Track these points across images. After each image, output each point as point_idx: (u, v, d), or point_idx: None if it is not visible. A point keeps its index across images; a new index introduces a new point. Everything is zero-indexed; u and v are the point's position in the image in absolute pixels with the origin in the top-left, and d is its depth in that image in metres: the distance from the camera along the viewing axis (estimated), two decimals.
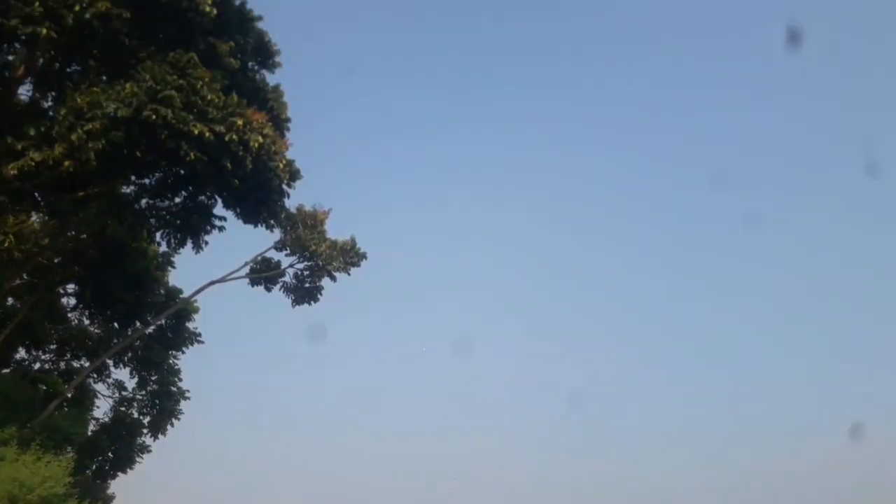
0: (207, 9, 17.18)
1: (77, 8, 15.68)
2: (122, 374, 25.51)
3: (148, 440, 25.46)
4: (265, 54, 20.06)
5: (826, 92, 70.20)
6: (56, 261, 20.79)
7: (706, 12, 72.72)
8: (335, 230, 24.91)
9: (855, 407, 51.81)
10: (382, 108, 76.32)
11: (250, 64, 19.88)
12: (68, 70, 18.67)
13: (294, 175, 21.30)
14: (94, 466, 24.26)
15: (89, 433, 23.95)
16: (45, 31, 15.61)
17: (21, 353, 23.79)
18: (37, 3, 15.43)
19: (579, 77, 76.71)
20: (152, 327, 24.71)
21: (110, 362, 24.98)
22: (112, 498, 24.82)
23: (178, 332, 25.46)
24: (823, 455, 49.36)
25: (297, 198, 23.54)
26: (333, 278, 25.00)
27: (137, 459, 25.32)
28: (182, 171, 19.83)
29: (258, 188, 20.39)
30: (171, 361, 25.74)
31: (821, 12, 60.82)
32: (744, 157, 72.26)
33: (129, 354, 24.88)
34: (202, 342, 26.22)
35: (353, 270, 25.14)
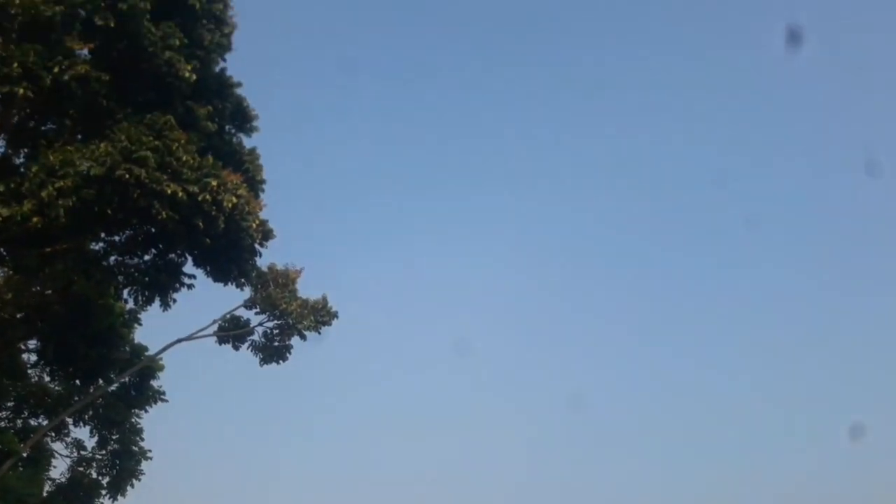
0: (187, 74, 17.50)
1: (56, 70, 15.89)
2: (82, 432, 24.90)
3: (106, 502, 24.73)
4: (243, 118, 20.40)
5: (826, 92, 71.16)
6: (18, 316, 20.44)
7: (706, 12, 73.89)
8: (309, 289, 24.93)
9: (855, 407, 51.64)
10: (363, 166, 76.69)
11: (227, 127, 20.18)
12: (43, 128, 18.77)
13: (267, 235, 21.41)
14: None
15: (45, 494, 23.24)
16: (22, 90, 15.77)
17: None
18: (15, 64, 15.62)
19: (577, 77, 77.16)
20: (115, 385, 24.25)
21: (70, 420, 24.37)
22: None
23: (141, 391, 25.00)
24: (824, 455, 49.36)
25: (271, 256, 23.66)
26: (303, 337, 24.83)
27: None
28: (153, 229, 19.84)
29: (230, 247, 20.45)
30: (133, 420, 25.20)
31: (821, 12, 62.07)
32: (744, 157, 72.75)
33: (90, 412, 24.31)
34: (166, 401, 25.77)
35: (323, 329, 25.14)
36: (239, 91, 20.17)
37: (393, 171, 78.26)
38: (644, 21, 77.26)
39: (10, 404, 23.79)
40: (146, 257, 20.98)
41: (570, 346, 66.85)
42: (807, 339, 63.55)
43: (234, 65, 20.55)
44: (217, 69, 19.55)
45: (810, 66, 64.80)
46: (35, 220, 16.27)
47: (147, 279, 21.09)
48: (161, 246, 20.61)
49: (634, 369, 62.98)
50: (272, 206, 21.65)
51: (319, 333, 24.90)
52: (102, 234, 20.15)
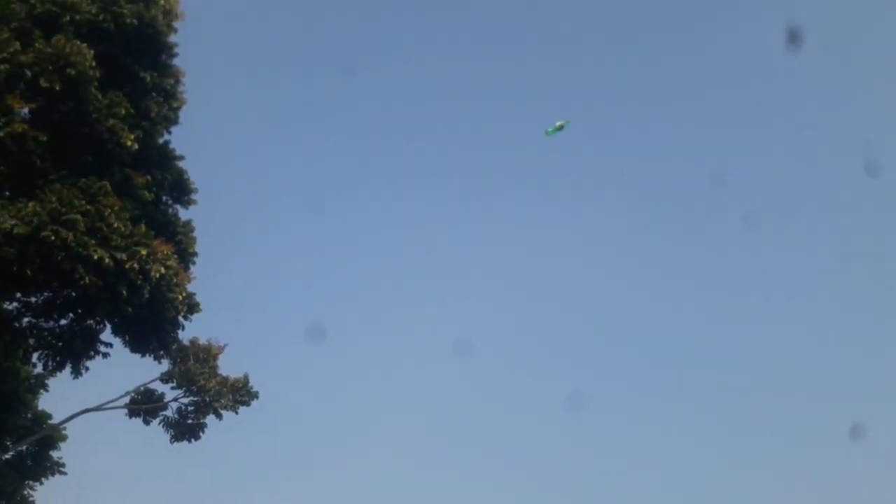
0: (129, 143, 17.59)
1: None
2: None
3: None
4: (181, 190, 20.41)
5: (826, 92, 71.94)
6: None
7: (706, 11, 74.96)
8: (232, 367, 24.32)
9: (856, 407, 50.74)
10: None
11: (165, 198, 20.15)
12: None
13: (192, 308, 21.06)
14: None
15: None
16: None
17: None
18: None
19: (576, 77, 77.29)
20: (10, 453, 22.79)
21: None
22: None
23: (39, 461, 23.54)
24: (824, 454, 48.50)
25: (201, 331, 23.21)
26: (220, 416, 24.03)
27: None
28: (74, 294, 19.33)
29: (153, 318, 20.05)
30: (25, 493, 23.59)
31: (821, 12, 63.30)
32: (744, 157, 72.88)
33: None
34: (65, 473, 24.30)
35: (241, 409, 24.41)
36: (181, 164, 20.26)
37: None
38: (644, 21, 77.79)
39: None
40: (62, 321, 20.27)
41: (570, 346, 65.46)
42: (806, 339, 63.09)
43: (179, 139, 20.74)
44: (161, 141, 19.66)
45: (810, 66, 65.46)
46: None
47: (61, 344, 20.30)
48: (80, 311, 19.99)
49: (634, 368, 62.01)
50: (203, 280, 21.46)
51: (237, 413, 24.17)
52: (18, 294, 19.45)
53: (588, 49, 77.46)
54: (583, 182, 77.91)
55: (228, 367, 24.21)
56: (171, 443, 23.89)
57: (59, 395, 24.18)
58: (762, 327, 66.16)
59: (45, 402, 23.71)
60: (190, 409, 23.76)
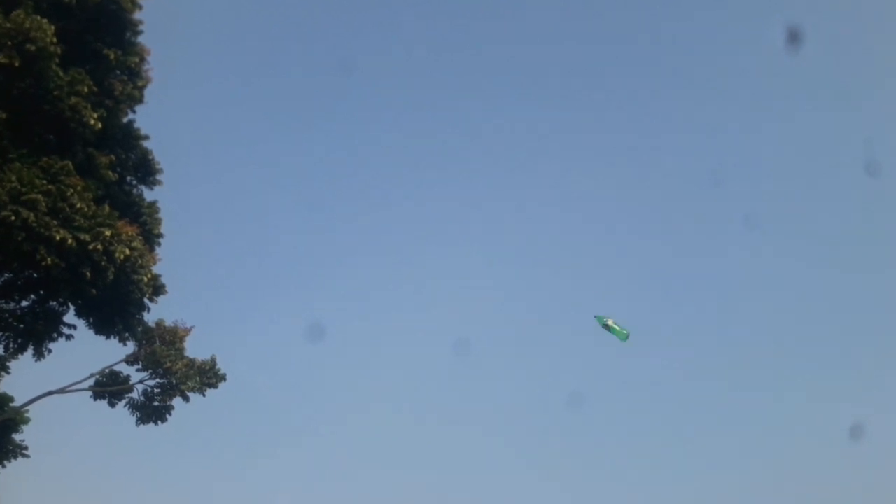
0: (92, 121, 17.22)
1: None
2: None
3: None
4: (146, 171, 20.09)
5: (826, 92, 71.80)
6: None
7: (706, 11, 75.15)
8: (200, 349, 24.14)
9: (855, 407, 50.94)
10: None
11: (129, 178, 19.84)
12: None
13: (158, 290, 20.90)
14: None
15: None
16: None
17: None
18: None
19: (576, 78, 77.11)
20: None
21: None
22: None
23: (1, 444, 23.18)
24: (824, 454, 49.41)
25: (168, 313, 22.97)
26: (186, 398, 23.86)
27: None
28: (35, 275, 19.03)
29: (117, 300, 19.84)
30: None
31: (821, 12, 63.58)
32: (744, 157, 73.25)
33: None
34: (27, 456, 23.95)
35: (209, 392, 24.28)
36: (146, 144, 19.94)
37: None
38: (644, 21, 77.95)
39: None
40: (24, 303, 19.96)
41: (570, 346, 65.87)
42: (807, 339, 63.86)
43: (144, 117, 20.39)
44: (125, 120, 19.30)
45: (810, 65, 66.19)
46: None
47: (22, 326, 20.03)
48: (42, 292, 19.71)
49: (633, 369, 62.58)
50: (169, 261, 21.25)
51: (204, 395, 24.03)
52: None
53: (587, 50, 77.66)
54: (582, 183, 78.32)
55: (197, 349, 24.09)
56: (137, 425, 23.73)
57: (22, 378, 23.84)
58: (762, 326, 67.09)
59: (6, 385, 23.33)
60: (156, 391, 23.56)
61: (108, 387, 23.34)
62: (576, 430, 55.54)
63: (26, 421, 23.69)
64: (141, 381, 23.63)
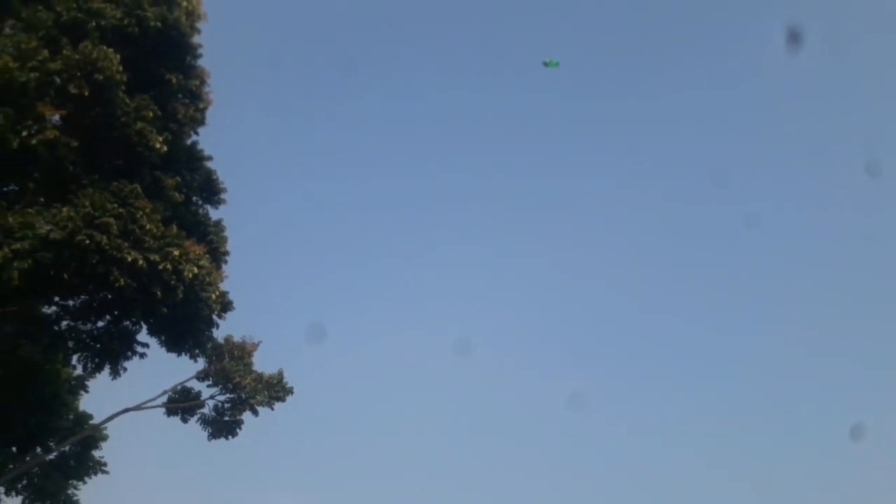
0: (158, 145, 17.70)
1: (25, 133, 15.93)
2: (13, 502, 23.65)
3: None
4: (211, 190, 20.56)
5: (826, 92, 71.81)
6: None
7: (706, 12, 74.88)
8: (266, 363, 24.52)
9: (856, 408, 50.96)
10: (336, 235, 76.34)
11: (195, 198, 20.31)
12: (5, 189, 18.64)
13: (226, 307, 21.26)
14: None
15: None
16: None
17: None
18: None
19: (576, 78, 77.46)
20: (54, 454, 23.27)
21: (1, 489, 23.16)
22: None
23: (81, 461, 23.98)
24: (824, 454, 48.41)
25: (230, 328, 23.41)
26: (255, 412, 24.29)
27: None
28: (109, 296, 19.61)
29: (187, 318, 20.25)
30: (69, 492, 24.05)
31: (821, 12, 63.16)
32: (744, 157, 72.81)
33: (24, 482, 23.17)
34: (107, 472, 24.72)
35: (277, 405, 24.61)
36: (209, 164, 20.40)
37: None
38: (644, 21, 78.38)
39: None
40: (100, 323, 20.59)
41: (570, 346, 65.83)
42: (807, 339, 63.13)
43: (206, 139, 20.88)
44: (189, 142, 19.79)
45: (810, 66, 65.42)
46: None
47: (98, 346, 20.65)
48: (116, 313, 20.29)
49: (633, 369, 62.46)
50: (234, 278, 21.65)
51: (272, 409, 24.39)
52: (56, 298, 19.77)
53: (587, 49, 77.75)
54: (582, 183, 78.03)
55: (263, 364, 24.47)
56: (209, 440, 24.21)
57: (100, 396, 24.65)
58: (763, 327, 66.43)
59: (85, 404, 24.18)
60: (226, 406, 24.04)
61: (181, 403, 23.91)
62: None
63: (104, 438, 24.49)
64: (212, 397, 24.17)
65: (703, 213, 73.51)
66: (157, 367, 22.87)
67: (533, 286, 69.84)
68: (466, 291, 68.24)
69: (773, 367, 59.46)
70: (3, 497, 23.47)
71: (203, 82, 19.69)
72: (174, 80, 18.62)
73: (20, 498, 23.52)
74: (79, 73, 16.42)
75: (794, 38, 37.30)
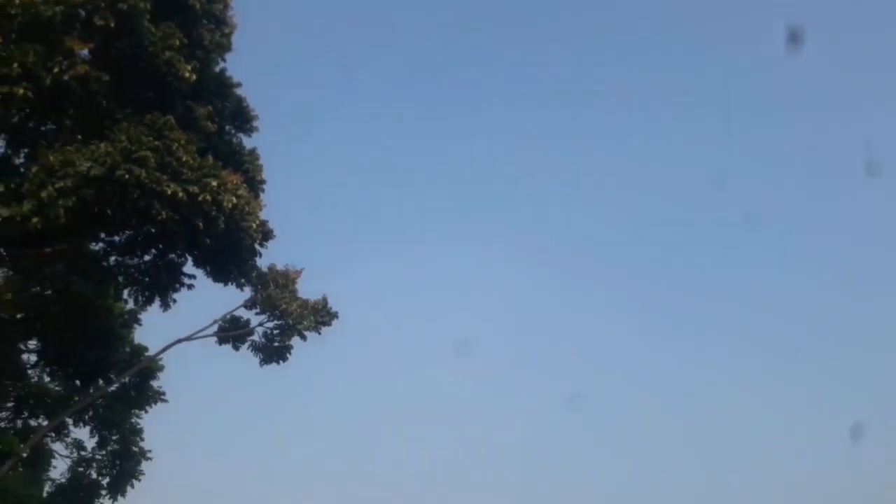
0: (187, 74, 17.46)
1: (56, 70, 15.83)
2: (82, 433, 24.89)
3: (106, 502, 24.70)
4: (243, 118, 20.38)
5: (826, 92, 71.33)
6: (18, 316, 20.41)
7: (707, 12, 74.00)
8: (308, 290, 24.86)
9: (855, 407, 51.54)
10: (363, 165, 76.55)
11: (227, 127, 20.16)
12: (43, 128, 18.72)
13: (266, 235, 21.42)
14: None
15: (45, 495, 23.24)
16: (21, 91, 15.71)
17: None
18: (15, 64, 15.57)
19: (576, 78, 77.30)
20: (115, 386, 24.21)
21: (69, 421, 24.34)
22: None
23: (141, 391, 24.97)
24: (824, 455, 49.24)
25: (271, 257, 23.67)
26: (304, 337, 24.79)
27: None
28: (153, 230, 19.86)
29: (230, 248, 20.48)
30: (133, 421, 25.18)
31: (821, 12, 62.06)
32: (744, 157, 72.84)
33: (90, 413, 24.30)
34: (166, 401, 25.74)
35: (324, 329, 25.09)
36: (239, 91, 20.19)
37: (394, 170, 78.44)
38: (644, 21, 77.37)
39: (9, 405, 23.74)
40: (146, 257, 20.98)
41: (570, 346, 66.85)
42: (807, 339, 63.85)
43: (234, 65, 20.57)
44: (217, 69, 19.53)
45: (810, 66, 64.97)
46: (34, 220, 16.24)
47: (147, 279, 21.10)
48: (161, 246, 20.61)
49: (633, 369, 63.06)
50: (272, 206, 21.73)
51: (319, 334, 24.83)
52: (102, 235, 20.13)
53: (588, 49, 76.79)
54: (583, 182, 76.71)
55: (306, 290, 24.81)
56: (261, 366, 24.91)
57: (152, 329, 25.43)
58: (762, 326, 65.76)
59: (140, 336, 24.96)
60: (275, 332, 24.55)
61: (231, 331, 24.50)
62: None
63: (161, 368, 25.35)
64: (260, 324, 24.67)
65: (701, 213, 73.49)
66: (206, 298, 23.43)
67: (532, 287, 69.64)
68: (468, 291, 68.68)
69: (771, 366, 59.87)
70: (73, 428, 24.74)
71: (226, 6, 19.25)
72: (197, 6, 18.21)
73: (88, 428, 24.75)
74: (103, 4, 16.13)
75: (795, 38, 35.96)
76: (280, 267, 24.16)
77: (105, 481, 24.67)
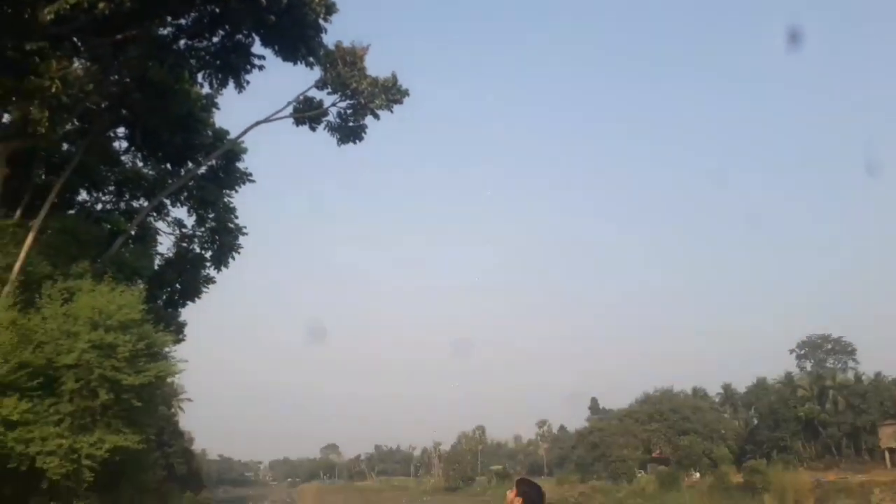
0: None
1: None
2: (180, 212, 26.60)
3: (212, 272, 26.92)
4: None
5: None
6: (103, 105, 21.08)
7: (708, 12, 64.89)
8: (374, 68, 24.43)
9: None
10: None
11: None
12: None
13: (329, 9, 20.78)
14: (164, 297, 26.10)
15: (156, 267, 25.49)
16: None
17: (83, 196, 24.94)
18: None
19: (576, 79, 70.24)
20: (204, 168, 25.36)
21: (167, 202, 25.99)
22: (184, 324, 26.86)
23: (229, 172, 26.13)
24: None
25: (336, 34, 23.17)
26: (377, 116, 24.92)
27: (203, 290, 27.00)
28: (217, 10, 19.56)
29: (294, 24, 20.12)
30: (225, 200, 26.61)
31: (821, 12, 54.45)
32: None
33: (185, 194, 25.78)
34: (253, 181, 26.95)
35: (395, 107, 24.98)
36: None
37: None
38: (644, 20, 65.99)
39: (110, 189, 25.45)
40: (214, 39, 20.87)
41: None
42: None
43: None
44: None
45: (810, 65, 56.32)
46: (101, 5, 16.11)
47: (218, 62, 21.15)
48: (227, 27, 20.40)
49: None
50: None
51: (392, 112, 24.83)
52: (169, 19, 19.90)
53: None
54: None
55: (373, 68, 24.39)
56: (339, 145, 25.42)
57: (231, 114, 26.03)
58: None
59: (221, 121, 25.61)
60: (349, 112, 24.72)
61: (305, 112, 24.79)
62: None
63: (244, 150, 26.26)
64: (333, 104, 24.82)
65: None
66: (279, 84, 23.53)
67: None
68: None
69: None
70: (171, 208, 26.51)
71: None
72: None
73: (185, 208, 26.45)
74: None
75: (795, 38, 37.69)
76: (346, 44, 23.67)
77: (208, 254, 26.75)
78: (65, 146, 22.49)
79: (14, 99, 18.14)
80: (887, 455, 63.75)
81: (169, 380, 21.20)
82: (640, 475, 70.85)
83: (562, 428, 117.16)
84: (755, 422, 75.71)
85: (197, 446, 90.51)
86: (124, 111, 22.07)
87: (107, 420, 15.12)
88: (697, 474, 67.37)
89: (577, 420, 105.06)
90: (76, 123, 21.47)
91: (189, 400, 74.04)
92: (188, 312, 27.26)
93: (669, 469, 67.54)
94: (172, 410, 61.22)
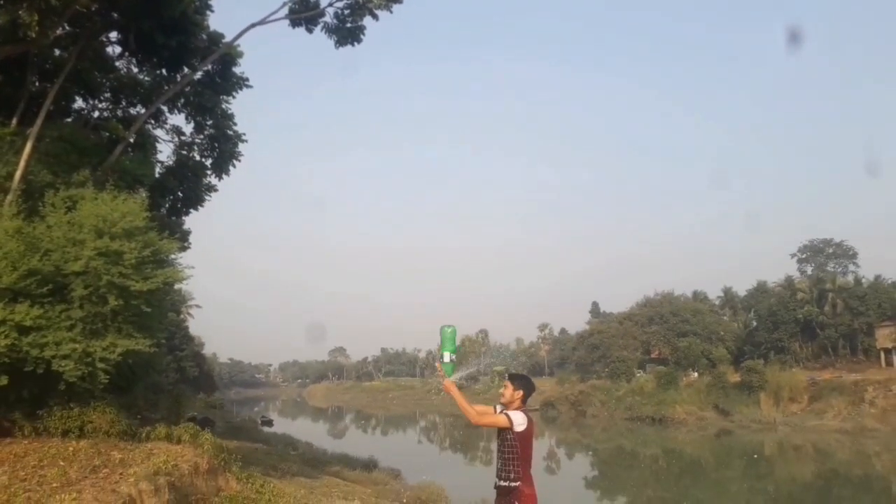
0: None
1: None
2: (178, 120, 26.28)
3: (213, 180, 26.87)
4: None
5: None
6: (93, 8, 20.42)
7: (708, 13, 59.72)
8: None
9: None
10: None
11: None
12: None
13: None
14: (166, 205, 26.16)
15: (157, 175, 25.40)
16: None
17: (79, 103, 24.55)
18: None
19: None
20: (199, 73, 24.82)
21: (165, 109, 25.61)
22: (188, 232, 27.07)
23: (225, 78, 25.57)
24: None
25: None
26: (375, 16, 24.20)
27: (206, 198, 27.04)
28: None
29: None
30: (223, 106, 26.20)
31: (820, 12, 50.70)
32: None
33: (182, 101, 25.37)
34: (250, 86, 26.40)
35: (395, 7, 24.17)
36: None
37: None
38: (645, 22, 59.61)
39: (106, 95, 25.01)
40: None
41: None
42: None
43: None
44: None
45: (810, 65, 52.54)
46: None
47: None
48: None
49: None
50: None
51: (391, 12, 24.06)
52: None
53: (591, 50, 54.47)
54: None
55: None
56: (336, 48, 24.79)
57: (226, 16, 25.20)
58: None
59: (216, 24, 24.86)
60: (346, 12, 23.98)
61: (301, 13, 24.04)
62: None
63: (240, 55, 25.59)
64: (330, 4, 24.04)
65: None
66: None
67: None
68: None
69: None
70: (169, 115, 26.16)
71: None
72: None
73: (183, 115, 26.09)
74: None
75: (795, 38, 28.91)
76: None
77: (208, 162, 26.62)
78: (57, 52, 21.97)
79: (2, 3, 17.59)
80: (882, 355, 65.36)
81: (177, 286, 21.52)
82: (638, 374, 73.05)
83: (563, 331, 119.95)
84: (754, 324, 77.25)
85: (207, 350, 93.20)
86: (116, 14, 21.42)
87: (118, 325, 15.44)
88: (696, 374, 69.39)
89: (578, 324, 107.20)
90: (67, 28, 20.88)
91: (198, 306, 75.50)
92: (192, 220, 27.41)
93: (668, 369, 69.55)
94: (182, 316, 62.67)
